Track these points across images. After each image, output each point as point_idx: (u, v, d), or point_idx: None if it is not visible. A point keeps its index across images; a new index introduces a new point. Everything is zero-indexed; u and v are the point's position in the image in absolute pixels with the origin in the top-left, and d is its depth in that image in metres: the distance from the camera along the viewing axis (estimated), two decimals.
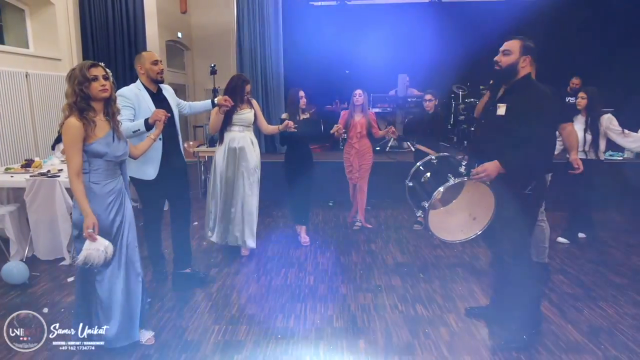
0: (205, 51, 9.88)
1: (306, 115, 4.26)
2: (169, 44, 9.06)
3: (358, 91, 4.54)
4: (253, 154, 3.85)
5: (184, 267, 3.40)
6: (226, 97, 3.48)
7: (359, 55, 8.41)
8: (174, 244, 3.41)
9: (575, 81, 6.16)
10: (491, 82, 2.65)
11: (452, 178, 2.44)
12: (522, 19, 8.86)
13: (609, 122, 4.00)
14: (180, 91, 9.64)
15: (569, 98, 6.39)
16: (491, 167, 2.33)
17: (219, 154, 3.84)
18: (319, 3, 9.79)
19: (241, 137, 3.80)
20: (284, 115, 4.22)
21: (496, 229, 2.51)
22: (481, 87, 7.65)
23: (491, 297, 2.94)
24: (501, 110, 2.42)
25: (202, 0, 9.69)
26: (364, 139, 4.58)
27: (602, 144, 4.04)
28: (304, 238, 4.38)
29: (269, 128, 4.07)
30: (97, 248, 2.21)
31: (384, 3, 9.64)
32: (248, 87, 3.77)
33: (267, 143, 6.95)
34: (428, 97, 4.64)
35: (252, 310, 3.02)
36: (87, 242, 2.21)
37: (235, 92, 3.70)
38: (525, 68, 2.40)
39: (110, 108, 2.34)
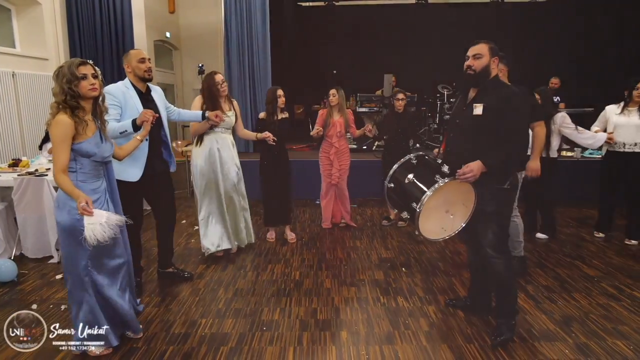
0: (193, 51, 9.91)
1: (285, 115, 4.22)
2: (157, 43, 9.06)
3: (332, 91, 4.47)
4: (234, 155, 3.86)
5: (166, 266, 3.50)
6: (218, 112, 3.48)
7: (346, 55, 8.53)
8: (159, 245, 3.47)
9: (554, 81, 6.32)
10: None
11: (440, 180, 2.45)
12: (505, 21, 9.07)
13: (562, 120, 4.14)
14: (168, 91, 9.65)
15: None
16: (475, 166, 2.39)
17: (200, 158, 3.75)
18: (307, 4, 9.89)
19: (222, 139, 3.78)
20: (261, 115, 4.19)
21: (477, 224, 2.58)
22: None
23: (469, 288, 3.05)
24: (478, 109, 2.47)
25: (190, 0, 9.71)
26: (343, 138, 4.57)
27: (557, 142, 4.18)
28: (290, 235, 4.44)
29: (246, 133, 4.05)
30: (99, 222, 2.20)
31: (371, 4, 9.77)
32: (218, 77, 3.68)
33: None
34: (400, 96, 4.61)
35: (239, 304, 3.10)
36: (86, 218, 2.18)
37: (211, 90, 3.65)
38: (495, 69, 2.49)
39: (97, 107, 2.34)
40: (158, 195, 3.28)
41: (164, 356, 2.48)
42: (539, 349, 2.53)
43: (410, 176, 2.61)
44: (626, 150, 4.09)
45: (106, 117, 2.45)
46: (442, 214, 2.62)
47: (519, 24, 9.13)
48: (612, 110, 4.21)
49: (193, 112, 3.57)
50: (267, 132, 3.91)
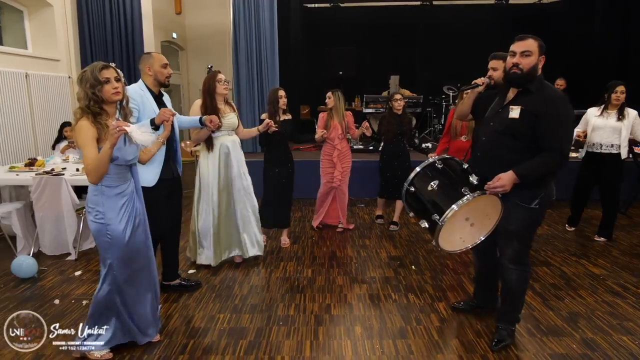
0: (200, 51, 10.01)
1: (288, 116, 4.17)
2: (164, 44, 9.16)
3: (328, 93, 4.49)
4: (242, 157, 3.74)
5: (172, 278, 3.33)
6: (213, 117, 3.28)
7: (352, 56, 8.59)
8: (164, 255, 3.29)
9: (560, 82, 6.37)
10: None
11: (468, 194, 2.26)
12: (510, 21, 9.13)
13: None
14: (175, 91, 9.75)
15: None
16: (507, 178, 2.22)
17: (208, 163, 3.61)
18: (313, 5, 9.96)
19: (230, 141, 3.67)
20: (263, 116, 4.11)
21: (498, 237, 2.48)
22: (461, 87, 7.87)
23: (474, 291, 3.06)
24: (515, 112, 2.28)
25: (196, 2, 9.81)
26: (344, 140, 4.54)
27: None
28: (284, 240, 4.36)
29: (245, 132, 3.90)
30: (140, 131, 2.21)
31: (377, 5, 9.85)
32: (219, 76, 3.58)
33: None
34: (398, 96, 4.58)
35: (254, 300, 3.19)
36: (128, 130, 2.17)
37: (211, 92, 3.54)
38: (540, 70, 2.29)
39: (122, 110, 2.37)
40: (171, 200, 3.16)
41: (185, 348, 2.57)
42: (547, 343, 2.62)
43: (434, 184, 2.41)
44: (603, 151, 4.28)
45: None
46: (462, 222, 2.46)
47: (524, 24, 9.15)
48: (592, 113, 4.39)
49: (191, 118, 3.43)
50: (266, 120, 3.78)
